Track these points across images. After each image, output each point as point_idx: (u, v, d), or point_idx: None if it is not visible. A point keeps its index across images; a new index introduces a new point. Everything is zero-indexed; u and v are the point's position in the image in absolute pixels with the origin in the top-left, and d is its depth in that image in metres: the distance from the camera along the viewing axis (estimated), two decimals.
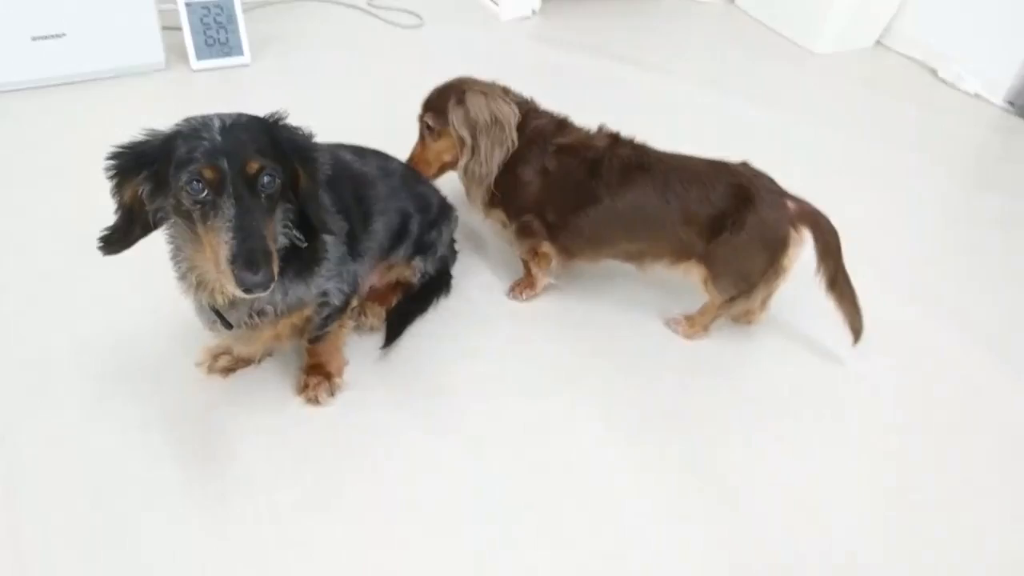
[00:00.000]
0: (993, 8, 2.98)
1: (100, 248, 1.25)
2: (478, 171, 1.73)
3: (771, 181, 1.67)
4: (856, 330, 1.73)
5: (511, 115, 1.71)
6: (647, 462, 1.54)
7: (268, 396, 1.58)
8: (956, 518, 1.49)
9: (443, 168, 1.83)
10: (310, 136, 1.27)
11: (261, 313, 1.34)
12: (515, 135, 1.71)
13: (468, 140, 1.71)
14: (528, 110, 1.76)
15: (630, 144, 1.73)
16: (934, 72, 3.21)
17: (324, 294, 1.43)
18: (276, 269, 1.14)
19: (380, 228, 1.60)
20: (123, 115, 2.34)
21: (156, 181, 1.18)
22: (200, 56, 2.63)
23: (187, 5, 2.57)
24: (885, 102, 3.03)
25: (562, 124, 1.77)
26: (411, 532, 1.37)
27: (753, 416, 1.66)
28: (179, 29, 2.63)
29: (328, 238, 1.39)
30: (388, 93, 2.64)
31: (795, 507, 1.48)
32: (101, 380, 1.57)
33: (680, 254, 1.71)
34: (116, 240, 1.24)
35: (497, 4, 3.25)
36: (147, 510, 1.35)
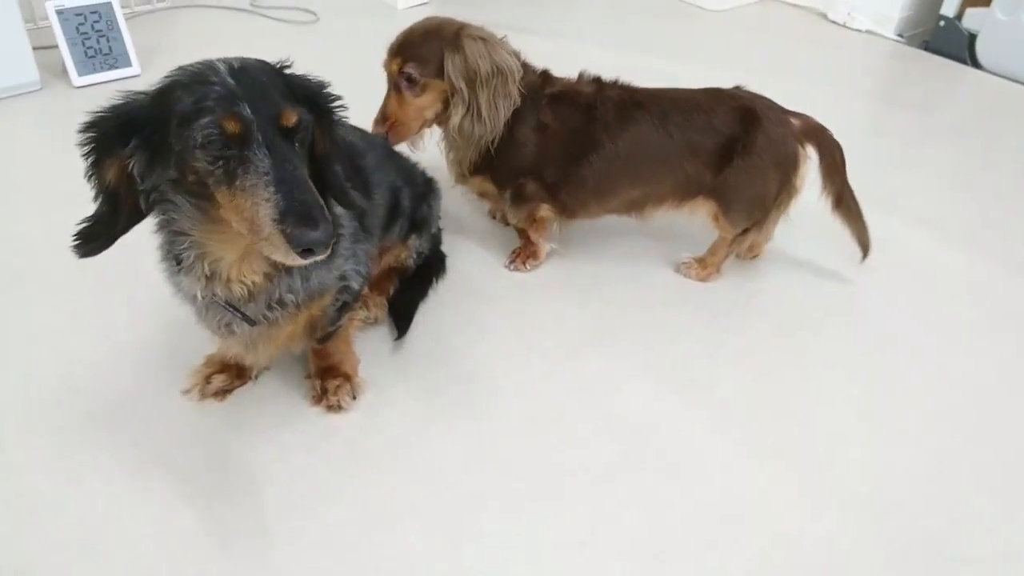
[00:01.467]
0: None
1: (76, 247, 1.01)
2: (477, 130, 1.53)
3: (770, 100, 1.62)
4: (865, 245, 1.71)
5: (516, 65, 1.55)
6: (710, 410, 1.44)
7: (279, 412, 1.36)
8: None
9: (422, 127, 1.62)
10: (325, 84, 1.08)
11: (281, 304, 1.14)
12: (519, 88, 1.54)
13: (466, 93, 1.51)
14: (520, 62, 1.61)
15: (617, 85, 1.63)
16: (824, 16, 3.34)
17: (343, 277, 1.24)
18: (333, 224, 0.94)
19: (379, 202, 1.42)
20: None
21: (151, 151, 0.96)
22: (82, 71, 2.31)
23: (58, 13, 2.25)
24: (785, 45, 3.12)
25: (546, 75, 1.64)
26: (486, 525, 1.20)
27: (796, 347, 1.60)
28: (54, 47, 2.31)
29: (340, 210, 1.20)
30: None
31: (876, 428, 1.42)
32: (63, 432, 1.30)
33: (686, 191, 1.62)
34: (97, 235, 1.01)
35: None
36: (170, 565, 1.12)
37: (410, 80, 1.52)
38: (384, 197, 1.45)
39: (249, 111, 0.91)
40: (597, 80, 1.63)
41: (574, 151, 1.58)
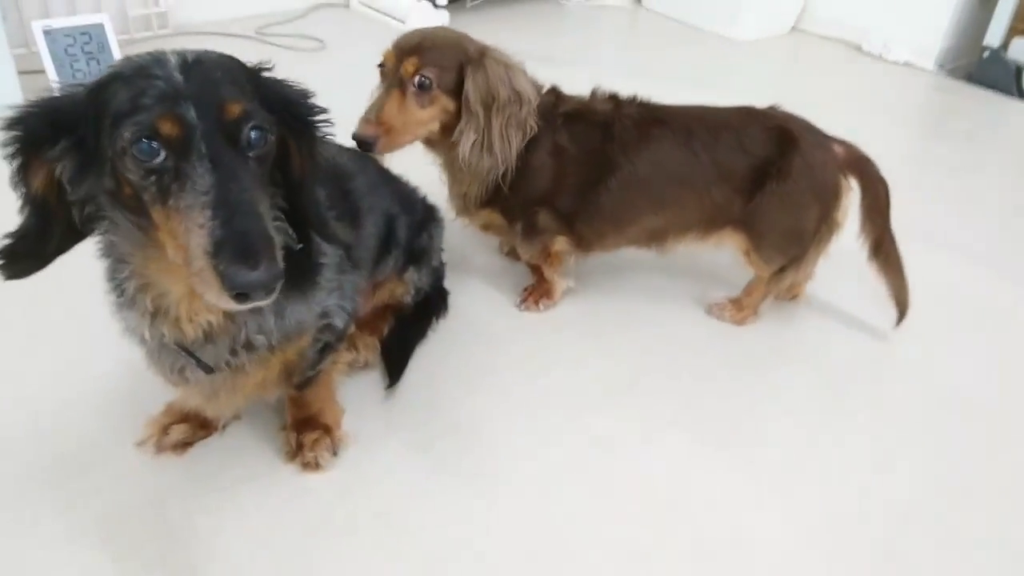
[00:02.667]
0: None
1: (1, 268, 0.83)
2: (487, 162, 1.34)
3: (808, 122, 1.44)
4: (903, 304, 1.48)
5: (534, 94, 1.37)
6: (752, 476, 1.23)
7: (247, 470, 1.16)
8: None
9: (410, 141, 1.37)
10: (307, 93, 0.91)
11: (249, 347, 0.95)
12: (535, 119, 1.36)
13: (480, 118, 1.32)
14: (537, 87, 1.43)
15: (635, 102, 1.45)
16: (858, 47, 3.17)
17: (326, 314, 1.05)
18: (281, 262, 0.76)
19: (370, 231, 1.25)
20: None
21: (82, 153, 0.78)
22: None
23: (46, 33, 2.13)
24: (818, 76, 2.96)
25: (558, 94, 1.47)
26: None
27: (846, 404, 1.39)
28: (42, 72, 2.18)
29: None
30: None
31: (952, 503, 1.21)
32: None
33: (713, 220, 1.44)
34: (25, 252, 0.83)
35: (403, 22, 2.97)
36: None
37: (423, 86, 1.31)
38: (376, 225, 1.28)
39: (194, 114, 0.74)
40: (613, 97, 1.47)
41: (591, 175, 1.40)
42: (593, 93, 1.48)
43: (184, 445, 1.18)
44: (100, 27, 2.20)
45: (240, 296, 0.72)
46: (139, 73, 0.75)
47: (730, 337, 1.53)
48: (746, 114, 1.44)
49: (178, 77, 0.75)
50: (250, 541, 1.06)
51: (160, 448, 1.17)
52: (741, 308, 1.55)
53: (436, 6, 3.03)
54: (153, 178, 0.74)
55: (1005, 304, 1.69)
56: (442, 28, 1.39)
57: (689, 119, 1.41)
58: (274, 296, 0.76)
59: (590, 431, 1.28)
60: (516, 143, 1.34)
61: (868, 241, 1.45)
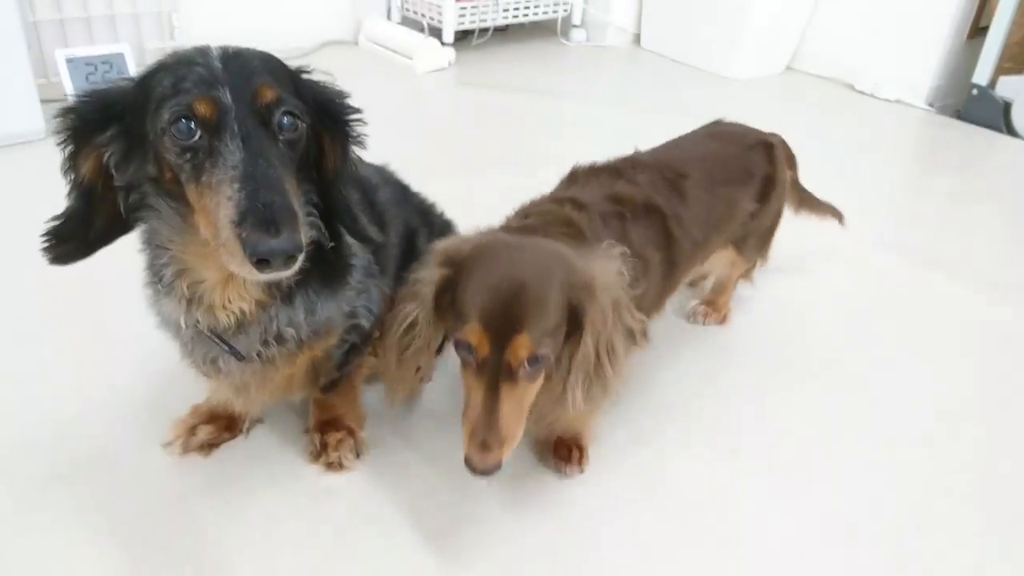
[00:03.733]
0: (904, 19, 3.07)
1: (46, 250, 0.88)
2: (598, 396, 1.02)
3: (752, 127, 1.52)
4: (837, 214, 1.71)
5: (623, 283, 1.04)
6: (769, 481, 1.26)
7: (272, 471, 1.19)
8: None
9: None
10: (343, 93, 0.96)
11: (279, 340, 0.98)
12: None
13: (592, 357, 0.98)
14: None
15: (637, 163, 1.30)
16: (851, 86, 3.27)
17: (353, 314, 1.09)
18: (304, 236, 0.80)
19: (393, 242, 1.29)
20: None
21: (129, 139, 0.84)
22: None
23: (68, 61, 2.19)
24: (812, 113, 3.05)
25: (578, 203, 1.17)
26: None
27: (856, 401, 1.43)
28: (62, 100, 2.23)
29: (352, 240, 1.06)
30: None
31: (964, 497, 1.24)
32: (23, 487, 1.13)
33: (725, 244, 1.46)
34: (70, 236, 0.88)
35: (410, 59, 3.06)
36: None
37: (537, 361, 0.94)
38: (399, 236, 1.32)
39: (229, 97, 0.79)
40: (612, 169, 1.28)
41: (662, 264, 1.23)
42: (574, 175, 1.29)
43: (210, 446, 1.20)
44: (121, 56, 2.27)
45: (261, 263, 0.76)
46: (182, 62, 0.82)
47: (710, 340, 1.59)
48: (732, 138, 1.45)
49: (217, 65, 0.82)
50: (274, 539, 1.08)
51: (186, 449, 1.19)
52: (719, 308, 1.62)
53: (443, 43, 3.12)
54: (188, 155, 0.79)
55: (1002, 320, 1.74)
56: (536, 254, 0.99)
57: (704, 162, 1.35)
58: (294, 268, 0.80)
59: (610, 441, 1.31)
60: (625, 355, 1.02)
61: (794, 202, 1.63)
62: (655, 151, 1.40)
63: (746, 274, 1.61)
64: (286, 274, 0.80)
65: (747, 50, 3.26)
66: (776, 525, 1.17)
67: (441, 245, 1.02)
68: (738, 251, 1.48)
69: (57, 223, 0.88)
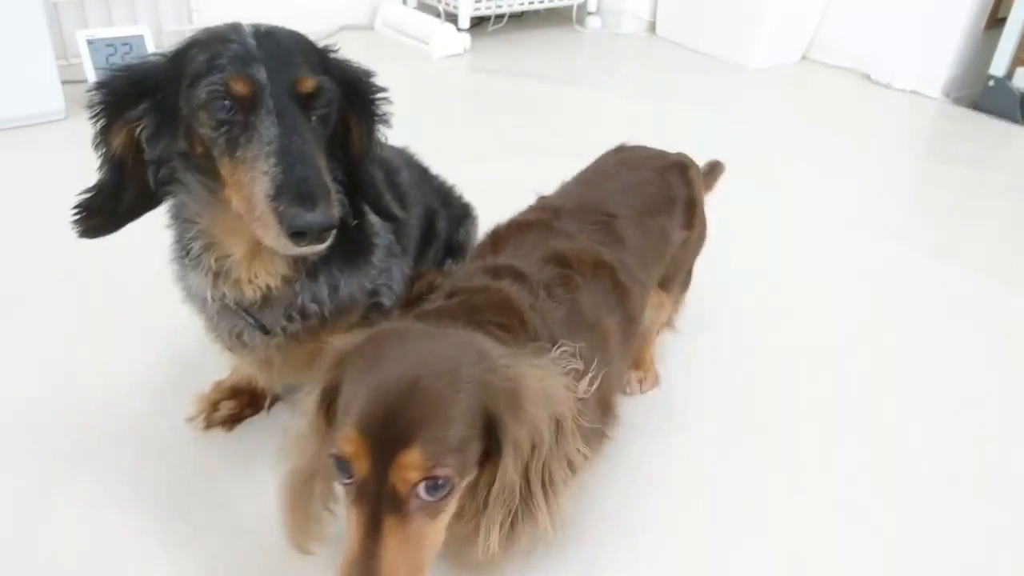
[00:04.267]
0: (921, 9, 3.04)
1: (76, 222, 0.90)
2: (525, 536, 0.79)
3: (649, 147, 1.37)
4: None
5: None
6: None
7: None
8: None
9: None
10: (369, 72, 0.98)
11: (303, 314, 1.00)
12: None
13: (518, 485, 0.76)
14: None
15: (557, 211, 1.13)
16: (867, 76, 3.25)
17: (375, 292, 1.11)
18: (337, 210, 0.82)
19: (414, 222, 1.30)
20: (11, 171, 1.94)
21: (161, 114, 0.86)
22: None
23: (89, 43, 2.21)
24: (827, 103, 3.04)
25: (517, 270, 0.99)
26: None
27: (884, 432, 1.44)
28: (83, 81, 2.26)
29: (375, 220, 1.08)
30: None
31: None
32: (50, 459, 1.15)
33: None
34: (100, 209, 0.90)
35: (426, 43, 3.07)
36: None
37: (436, 488, 0.69)
38: (419, 217, 1.34)
39: (264, 74, 0.81)
40: (539, 224, 1.10)
41: (622, 330, 1.07)
42: (495, 238, 1.11)
43: (232, 421, 1.22)
44: (140, 38, 2.28)
45: (297, 236, 0.78)
46: (216, 39, 0.83)
47: (652, 405, 1.35)
48: (642, 163, 1.28)
49: (251, 42, 0.83)
50: None
51: (209, 423, 1.21)
52: (646, 367, 1.39)
53: (459, 29, 3.13)
54: (224, 130, 0.81)
55: (1014, 310, 1.74)
56: (443, 346, 0.76)
57: (618, 195, 1.19)
58: (327, 242, 0.82)
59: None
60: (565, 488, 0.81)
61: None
62: (569, 191, 1.22)
63: (669, 320, 1.39)
64: (319, 248, 0.82)
65: (763, 39, 3.24)
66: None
67: (335, 342, 0.81)
68: (666, 290, 1.28)
69: (88, 196, 0.90)
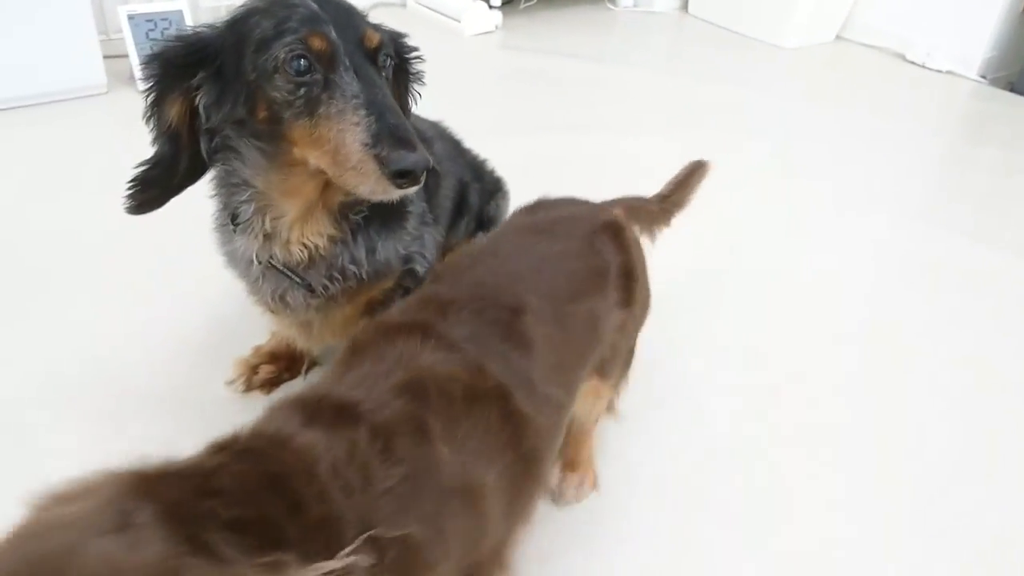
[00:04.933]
0: None
1: (130, 197, 0.93)
2: None
3: (597, 203, 1.09)
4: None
5: None
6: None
7: None
8: None
9: None
10: (403, 34, 1.01)
11: (343, 274, 1.04)
12: None
13: None
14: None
15: (439, 311, 0.82)
16: (902, 56, 3.22)
17: (409, 259, 1.14)
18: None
19: (447, 193, 1.33)
20: (55, 144, 2.00)
21: (222, 83, 0.88)
22: None
23: (130, 18, 2.26)
24: (861, 82, 3.02)
25: (343, 407, 0.70)
26: None
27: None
28: (124, 56, 2.31)
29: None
30: None
31: None
32: (97, 420, 1.20)
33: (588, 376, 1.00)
34: (155, 182, 0.93)
35: (459, 21, 3.08)
36: None
37: None
38: (451, 189, 1.36)
39: (335, 32, 0.85)
40: (415, 326, 0.79)
41: (512, 476, 0.77)
42: (421, 328, 0.78)
43: (271, 384, 1.27)
44: (179, 13, 2.32)
45: (399, 177, 0.81)
46: (278, 5, 0.86)
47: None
48: (564, 227, 0.99)
49: (314, 5, 0.86)
50: None
51: (249, 386, 1.26)
52: (587, 468, 1.16)
53: (491, 6, 3.14)
54: (303, 91, 0.84)
55: None
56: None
57: (530, 277, 0.90)
58: (421, 183, 0.86)
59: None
60: None
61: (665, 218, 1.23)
62: (466, 273, 0.90)
63: (610, 405, 1.16)
64: (414, 189, 0.86)
65: (797, 18, 3.22)
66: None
67: None
68: (603, 377, 1.03)
69: (145, 169, 0.92)
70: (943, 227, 1.96)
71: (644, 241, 1.13)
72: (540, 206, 1.06)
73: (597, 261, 0.96)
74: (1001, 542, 1.13)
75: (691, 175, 1.25)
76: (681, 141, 2.18)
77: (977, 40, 3.02)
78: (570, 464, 1.15)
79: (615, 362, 1.04)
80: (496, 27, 3.15)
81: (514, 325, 0.83)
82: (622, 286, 0.97)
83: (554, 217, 1.02)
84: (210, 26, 0.90)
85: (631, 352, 1.11)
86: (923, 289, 1.71)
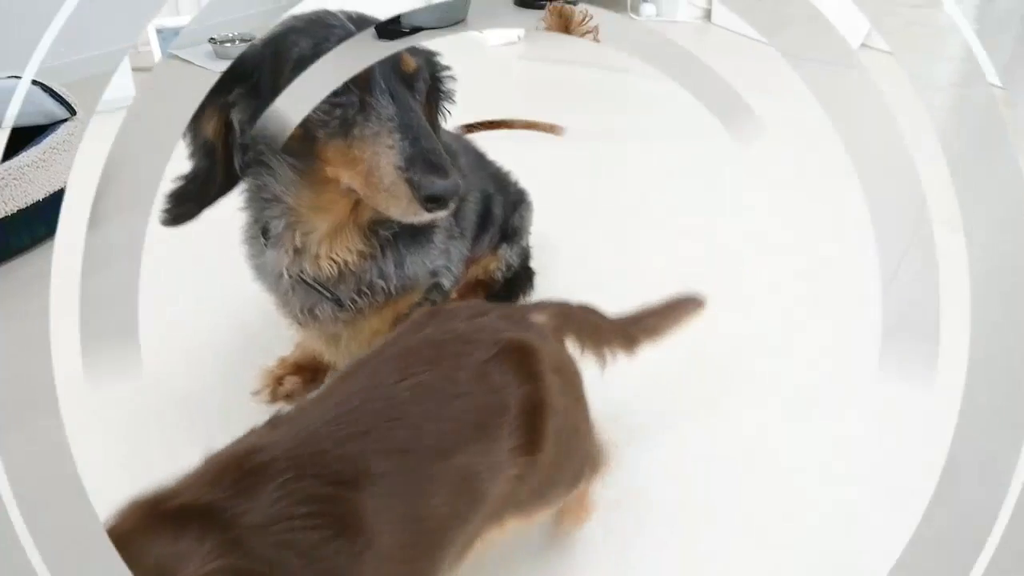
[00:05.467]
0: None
1: (166, 211, 0.94)
2: None
3: (500, 311, 0.88)
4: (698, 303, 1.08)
5: None
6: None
7: None
8: None
9: None
10: (434, 52, 1.02)
11: (371, 289, 1.05)
12: None
13: None
14: None
15: (240, 484, 0.64)
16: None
17: (435, 273, 1.14)
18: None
19: (471, 207, 1.33)
20: (84, 157, 2.02)
21: (258, 99, 0.89)
22: None
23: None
24: (886, 92, 2.98)
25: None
26: None
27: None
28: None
29: None
30: None
31: None
32: (123, 428, 1.22)
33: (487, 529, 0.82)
34: (191, 196, 0.94)
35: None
36: None
37: None
38: (477, 201, 1.37)
39: None
40: (203, 511, 0.62)
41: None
42: (207, 515, 0.61)
43: (295, 396, 1.27)
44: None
45: (431, 202, 0.83)
46: (316, 24, 0.87)
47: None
48: (452, 350, 0.78)
49: (351, 26, 0.87)
50: None
51: (274, 397, 1.27)
52: (578, 510, 1.03)
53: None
54: (339, 111, 0.85)
55: None
56: None
57: (384, 427, 0.69)
58: (451, 209, 0.87)
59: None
60: None
61: (619, 349, 0.99)
62: (300, 414, 0.74)
63: (579, 503, 1.03)
64: (443, 214, 0.87)
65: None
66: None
67: None
68: (525, 514, 0.85)
69: (182, 184, 0.94)
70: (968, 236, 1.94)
71: (589, 363, 0.93)
72: (433, 316, 0.85)
73: (488, 398, 0.75)
74: None
75: (676, 307, 1.05)
76: (704, 150, 2.16)
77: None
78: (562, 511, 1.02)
79: (541, 492, 0.84)
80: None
81: (343, 506, 0.61)
82: (525, 425, 0.76)
83: (444, 335, 0.80)
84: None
85: (572, 459, 0.88)
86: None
